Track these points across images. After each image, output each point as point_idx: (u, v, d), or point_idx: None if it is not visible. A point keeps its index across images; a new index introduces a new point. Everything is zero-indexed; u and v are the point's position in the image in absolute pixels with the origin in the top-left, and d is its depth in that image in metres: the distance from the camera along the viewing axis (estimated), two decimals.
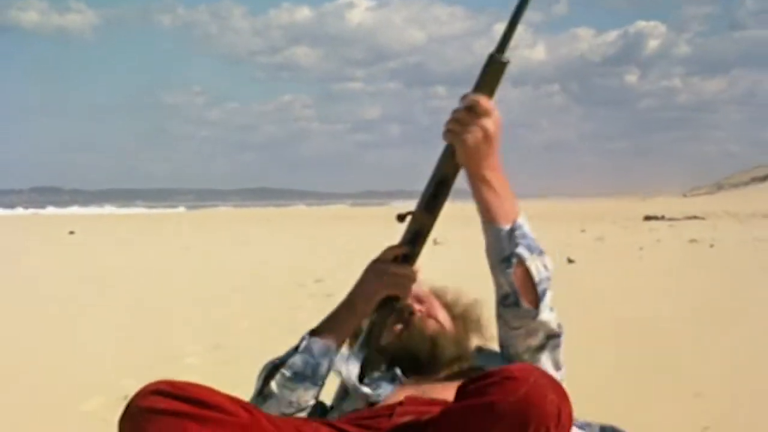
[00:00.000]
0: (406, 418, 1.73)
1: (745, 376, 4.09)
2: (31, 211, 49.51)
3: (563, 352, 2.04)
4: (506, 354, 2.03)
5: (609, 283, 8.20)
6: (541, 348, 1.99)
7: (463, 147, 1.90)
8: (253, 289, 7.97)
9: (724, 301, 6.69)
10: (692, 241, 13.50)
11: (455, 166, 1.95)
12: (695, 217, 22.46)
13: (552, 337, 1.98)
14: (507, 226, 1.92)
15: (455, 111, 1.91)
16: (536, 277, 1.91)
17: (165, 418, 1.53)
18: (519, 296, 1.90)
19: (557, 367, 2.02)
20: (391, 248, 2.03)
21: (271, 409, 1.89)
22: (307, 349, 1.96)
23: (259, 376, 1.98)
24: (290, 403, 1.92)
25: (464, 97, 1.91)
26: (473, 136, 1.88)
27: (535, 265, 1.91)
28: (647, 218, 22.27)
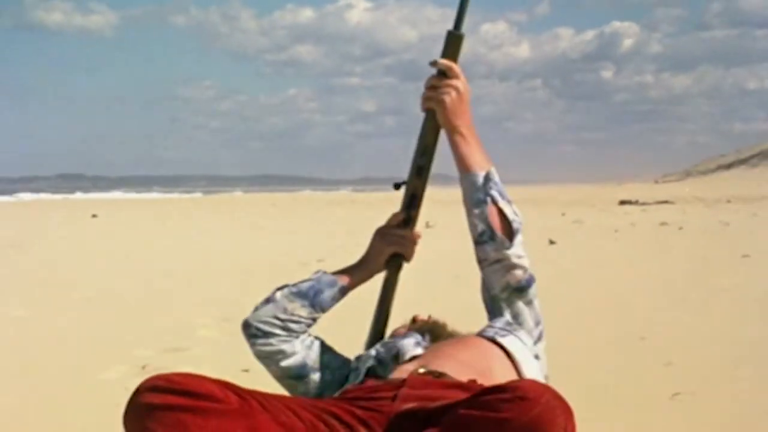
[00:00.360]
0: (410, 405, 1.67)
1: (712, 346, 4.09)
2: (56, 196, 49.40)
3: (539, 307, 2.09)
4: (488, 297, 2.10)
5: (587, 262, 8.20)
6: (519, 291, 2.05)
7: (441, 107, 2.02)
8: (260, 267, 7.96)
9: (693, 278, 6.69)
10: (663, 224, 13.51)
11: (436, 130, 2.06)
12: (666, 202, 22.46)
13: (528, 283, 2.05)
14: (482, 173, 2.03)
15: (429, 79, 2.05)
16: (510, 216, 2.00)
17: (161, 412, 1.53)
18: (494, 229, 2.00)
19: (536, 321, 2.07)
20: (394, 215, 2.15)
21: (268, 311, 2.05)
22: (316, 278, 2.10)
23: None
24: (285, 309, 2.04)
25: (435, 63, 2.05)
26: (449, 96, 2.01)
27: (507, 208, 2.01)
28: (622, 203, 22.27)
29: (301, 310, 2.04)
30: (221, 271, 7.85)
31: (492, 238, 1.99)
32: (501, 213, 2.00)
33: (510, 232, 2.00)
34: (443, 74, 2.05)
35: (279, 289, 2.08)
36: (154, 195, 56.97)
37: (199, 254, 9.78)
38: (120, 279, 7.37)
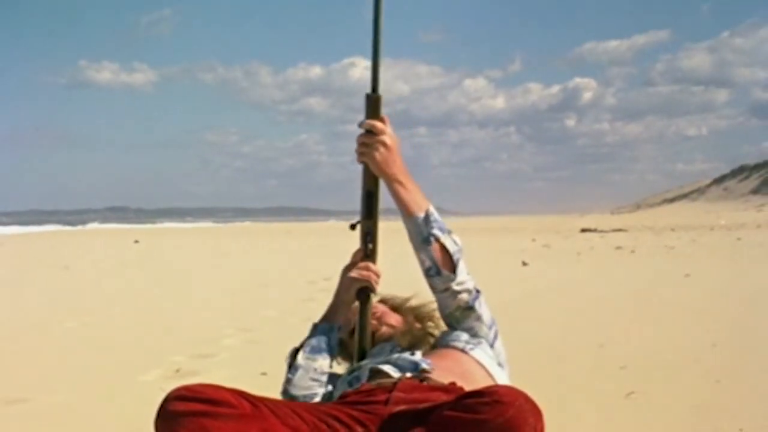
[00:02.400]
0: (402, 407, 1.67)
1: (661, 351, 4.07)
2: (104, 225, 49.41)
3: (489, 311, 2.09)
4: (444, 316, 2.10)
5: (554, 280, 8.18)
6: (468, 309, 2.05)
7: (373, 162, 1.96)
8: (276, 285, 7.93)
9: (644, 294, 6.67)
10: (618, 248, 13.50)
11: (374, 178, 2.00)
12: (620, 230, 22.47)
13: (473, 301, 2.05)
14: (422, 215, 2.00)
15: (358, 137, 1.98)
16: (451, 249, 1.99)
17: (185, 418, 1.54)
18: (439, 266, 1.99)
19: (489, 324, 2.08)
20: (355, 252, 2.09)
21: (301, 378, 1.99)
22: (316, 332, 2.06)
23: (287, 359, 2.05)
24: (314, 369, 2.00)
25: (361, 124, 1.98)
26: (377, 151, 1.96)
27: (448, 241, 1.99)
28: (583, 230, 22.28)
29: (324, 363, 2.03)
30: (242, 288, 7.82)
31: (438, 273, 2.00)
32: (443, 248, 1.98)
33: (452, 265, 1.99)
34: (370, 132, 1.97)
35: (293, 353, 2.05)
36: (187, 224, 56.86)
37: (223, 273, 9.75)
38: (157, 295, 7.34)
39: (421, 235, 1.99)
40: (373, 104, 1.98)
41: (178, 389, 1.60)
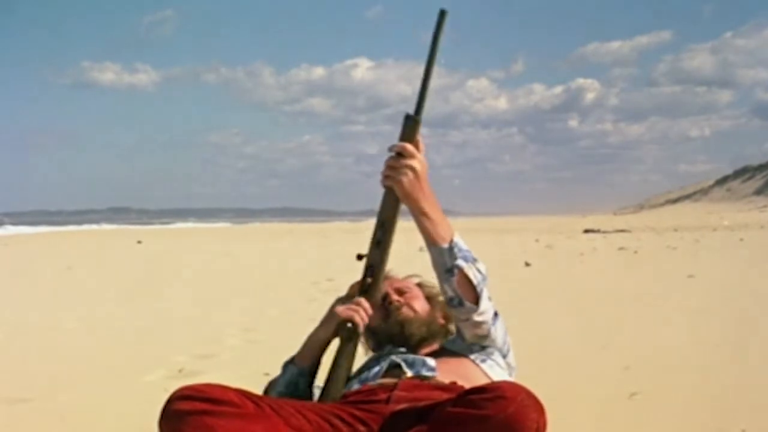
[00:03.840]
0: (402, 405, 1.67)
1: (664, 352, 4.07)
2: (108, 226, 49.51)
3: (504, 328, 2.05)
4: (462, 337, 2.03)
5: (557, 280, 8.17)
6: (484, 338, 2.00)
7: (399, 187, 1.84)
8: (279, 286, 7.93)
9: (647, 293, 6.66)
10: (621, 248, 13.49)
11: (394, 206, 1.87)
12: (623, 230, 22.44)
13: (492, 326, 1.99)
14: (446, 245, 1.89)
15: (387, 160, 1.85)
16: (474, 281, 1.89)
17: (190, 417, 1.55)
18: (462, 298, 1.90)
19: (503, 341, 2.04)
20: (352, 285, 1.98)
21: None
22: (285, 374, 1.98)
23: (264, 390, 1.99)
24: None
25: (392, 147, 1.85)
26: (406, 176, 1.83)
27: (472, 272, 1.89)
28: (586, 231, 22.24)
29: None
30: (245, 288, 7.82)
31: (461, 304, 1.91)
32: (467, 279, 1.88)
33: (475, 295, 1.90)
34: (400, 155, 1.84)
35: (265, 392, 1.97)
36: (190, 224, 56.95)
37: (226, 274, 9.76)
38: (160, 295, 7.34)
39: (445, 266, 1.89)
40: (411, 127, 1.85)
41: (182, 389, 1.61)
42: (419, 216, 1.87)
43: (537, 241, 16.94)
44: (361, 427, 1.65)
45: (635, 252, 12.53)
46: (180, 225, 54.37)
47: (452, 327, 2.13)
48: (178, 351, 4.25)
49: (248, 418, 1.56)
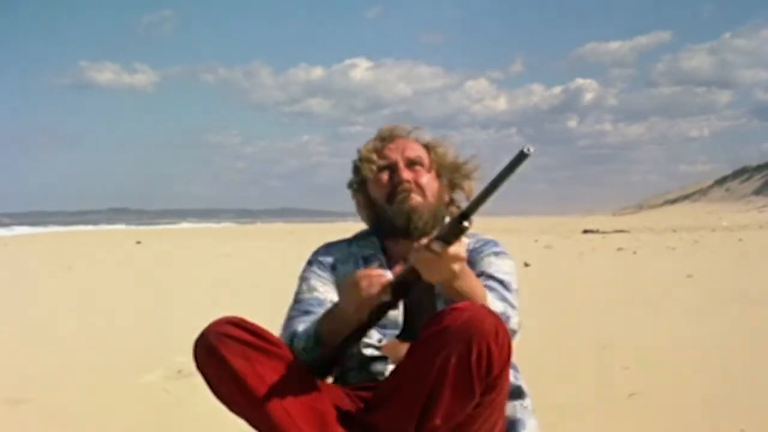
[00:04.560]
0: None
1: (663, 352, 4.07)
2: (107, 226, 49.52)
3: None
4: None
5: (557, 281, 8.17)
6: None
7: (431, 279, 1.56)
8: (277, 283, 7.92)
9: (645, 294, 6.67)
10: (620, 249, 13.49)
11: (419, 277, 1.57)
12: (622, 231, 22.45)
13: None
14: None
15: (427, 248, 1.51)
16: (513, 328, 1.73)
17: (231, 341, 1.55)
18: None
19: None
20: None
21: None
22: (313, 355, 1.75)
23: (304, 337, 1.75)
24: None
25: (432, 245, 1.51)
26: (442, 276, 1.55)
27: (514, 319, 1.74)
28: (585, 231, 22.26)
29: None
30: (244, 287, 7.81)
31: None
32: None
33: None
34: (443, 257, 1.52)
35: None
36: (189, 225, 56.91)
37: (225, 273, 9.75)
38: (158, 295, 7.34)
39: None
40: (459, 232, 1.51)
41: (230, 316, 1.62)
42: (452, 293, 1.61)
43: (536, 241, 16.94)
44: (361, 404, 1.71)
45: (634, 252, 12.53)
46: (179, 225, 54.34)
47: (456, 197, 1.97)
48: (177, 351, 4.24)
49: (284, 360, 1.58)
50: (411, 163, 1.91)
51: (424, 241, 1.53)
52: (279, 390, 1.53)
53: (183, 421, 2.91)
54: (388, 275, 1.64)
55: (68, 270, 10.68)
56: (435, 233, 1.55)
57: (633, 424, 2.76)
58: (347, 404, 1.69)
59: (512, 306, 1.79)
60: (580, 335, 4.66)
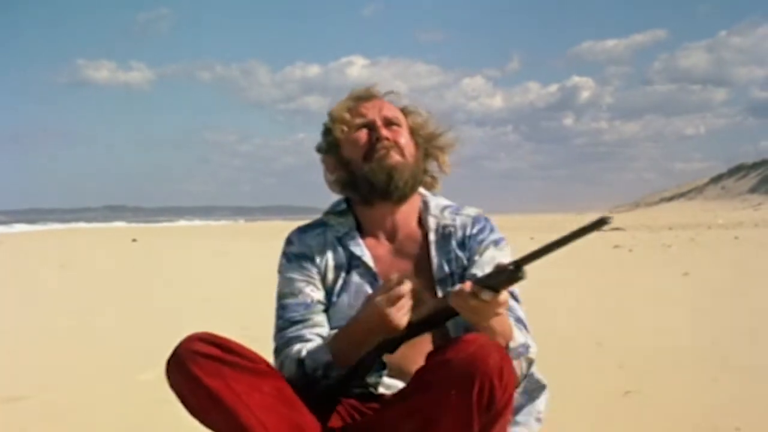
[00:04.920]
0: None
1: (658, 350, 4.08)
2: (103, 224, 49.44)
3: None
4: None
5: (552, 279, 8.17)
6: None
7: (470, 321, 1.53)
8: (275, 283, 7.92)
9: (641, 292, 6.68)
10: (616, 246, 13.51)
11: (450, 312, 1.53)
12: (618, 229, 22.46)
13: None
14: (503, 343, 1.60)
15: (473, 296, 1.45)
16: (520, 377, 1.69)
17: (204, 360, 1.51)
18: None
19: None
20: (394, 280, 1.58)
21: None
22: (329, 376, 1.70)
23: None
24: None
25: (481, 294, 1.45)
26: (483, 319, 1.52)
27: (519, 368, 1.67)
28: None
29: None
30: (241, 285, 7.81)
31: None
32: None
33: (517, 382, 1.67)
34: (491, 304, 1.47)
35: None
36: (185, 222, 56.84)
37: (222, 272, 9.75)
38: (155, 293, 7.33)
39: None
40: (512, 281, 1.48)
41: (201, 333, 1.57)
42: (482, 329, 1.55)
43: (532, 239, 16.94)
44: (357, 416, 1.68)
45: (630, 250, 12.55)
46: (176, 223, 54.27)
47: (429, 167, 1.88)
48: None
49: (260, 375, 1.54)
50: (389, 123, 1.81)
51: (467, 285, 1.45)
52: (257, 408, 1.49)
53: (178, 420, 2.90)
54: (407, 291, 1.54)
55: (63, 268, 10.66)
56: (478, 276, 1.50)
57: (628, 423, 2.77)
58: (335, 418, 1.66)
59: (527, 329, 1.75)
60: (575, 333, 4.67)
